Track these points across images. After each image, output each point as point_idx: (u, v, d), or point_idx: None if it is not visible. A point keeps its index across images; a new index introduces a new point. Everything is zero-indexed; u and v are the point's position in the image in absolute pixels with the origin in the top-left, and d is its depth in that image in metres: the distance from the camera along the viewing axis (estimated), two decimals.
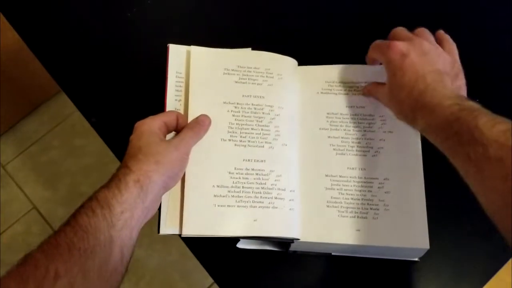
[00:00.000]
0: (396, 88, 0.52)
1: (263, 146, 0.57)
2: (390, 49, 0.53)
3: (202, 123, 0.56)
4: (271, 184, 0.55)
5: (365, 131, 0.59)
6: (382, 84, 0.56)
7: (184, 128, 0.55)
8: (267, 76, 0.60)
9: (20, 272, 0.38)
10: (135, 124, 0.52)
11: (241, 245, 0.56)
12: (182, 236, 0.53)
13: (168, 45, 0.61)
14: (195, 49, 0.61)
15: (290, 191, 0.55)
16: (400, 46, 0.53)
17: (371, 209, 0.55)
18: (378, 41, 0.57)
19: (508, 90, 0.66)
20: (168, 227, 0.54)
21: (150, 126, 0.51)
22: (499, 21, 0.72)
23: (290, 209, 0.54)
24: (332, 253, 0.57)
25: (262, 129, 0.58)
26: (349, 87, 0.61)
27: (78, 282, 0.39)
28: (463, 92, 0.54)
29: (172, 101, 0.59)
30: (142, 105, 0.60)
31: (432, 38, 0.56)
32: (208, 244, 0.55)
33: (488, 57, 0.69)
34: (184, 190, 0.54)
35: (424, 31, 0.57)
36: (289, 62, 0.62)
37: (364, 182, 0.57)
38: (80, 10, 0.74)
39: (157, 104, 0.60)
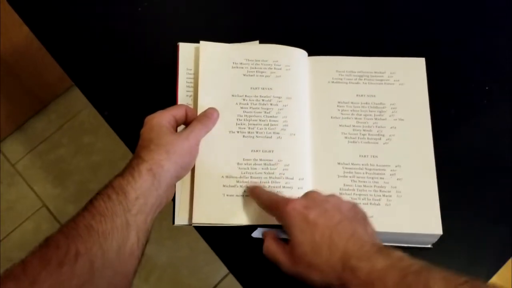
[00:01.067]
0: (305, 261, 0.44)
1: (271, 137, 0.58)
2: (285, 205, 0.47)
3: (211, 115, 0.57)
4: (279, 174, 0.56)
5: (376, 119, 0.60)
6: (283, 248, 0.48)
7: (193, 121, 0.56)
8: (275, 68, 0.61)
9: (42, 252, 0.39)
10: (146, 118, 0.54)
11: (256, 234, 0.56)
12: (192, 224, 0.55)
13: (178, 43, 0.64)
14: (204, 44, 0.63)
15: (299, 179, 0.56)
16: (295, 202, 0.47)
17: (383, 196, 0.56)
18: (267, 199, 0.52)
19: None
20: (180, 218, 0.56)
21: (160, 119, 0.53)
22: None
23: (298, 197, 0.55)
24: None
25: (270, 120, 0.59)
26: (359, 76, 0.62)
27: (98, 260, 0.40)
28: (377, 237, 0.48)
29: (184, 97, 0.61)
30: (154, 99, 0.62)
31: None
32: (223, 234, 0.56)
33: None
34: (194, 181, 0.56)
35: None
36: (298, 53, 0.63)
37: (376, 170, 0.57)
38: (91, 4, 0.74)
39: (168, 98, 0.61)
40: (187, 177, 0.57)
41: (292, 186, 0.56)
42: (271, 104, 0.59)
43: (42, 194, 1.56)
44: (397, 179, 0.57)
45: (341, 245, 0.43)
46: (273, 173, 0.56)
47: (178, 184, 0.56)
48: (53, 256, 0.38)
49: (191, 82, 0.62)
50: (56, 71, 0.69)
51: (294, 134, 0.58)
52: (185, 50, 0.63)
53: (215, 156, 0.57)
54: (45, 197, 1.56)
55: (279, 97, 0.60)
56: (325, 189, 0.56)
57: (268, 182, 0.56)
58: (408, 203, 0.56)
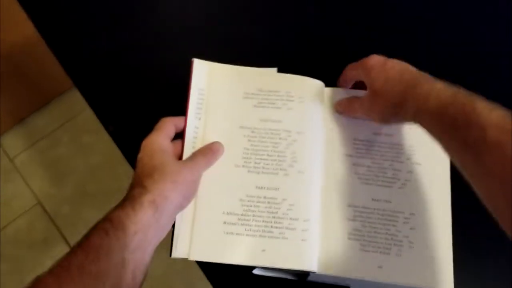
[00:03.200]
0: (379, 89, 0.51)
1: (278, 173, 0.55)
2: (369, 58, 0.54)
3: (216, 151, 0.55)
4: (283, 213, 0.53)
5: (392, 161, 0.56)
6: (356, 98, 0.56)
7: (197, 152, 0.55)
8: (287, 100, 0.58)
9: None
10: (143, 142, 0.52)
11: (257, 271, 0.54)
12: (189, 259, 0.52)
13: (192, 59, 0.59)
14: (217, 68, 0.60)
15: (304, 220, 0.53)
16: (377, 56, 0.54)
17: (394, 245, 0.53)
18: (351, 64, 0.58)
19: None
20: (178, 251, 0.53)
21: (159, 144, 0.51)
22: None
23: (302, 240, 0.52)
24: (350, 287, 0.54)
25: (278, 155, 0.55)
26: None
27: None
28: None
29: (193, 118, 0.57)
30: (160, 115, 0.58)
31: None
32: (222, 266, 0.53)
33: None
34: (195, 215, 0.54)
35: None
36: (313, 84, 0.59)
37: (389, 216, 0.54)
38: (103, 17, 0.72)
39: (175, 115, 0.57)
40: (189, 211, 0.54)
41: (296, 228, 0.52)
42: (279, 138, 0.56)
43: (38, 191, 1.54)
44: (410, 228, 0.53)
45: (409, 77, 0.49)
46: (276, 213, 0.53)
47: (178, 215, 0.53)
48: None
49: (201, 104, 0.58)
50: (61, 69, 0.68)
51: (303, 172, 0.55)
52: (199, 67, 0.59)
53: (218, 190, 0.54)
54: (41, 195, 1.53)
55: (289, 131, 0.56)
56: (333, 233, 0.53)
57: (271, 222, 0.53)
58: (420, 255, 0.52)
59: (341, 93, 0.60)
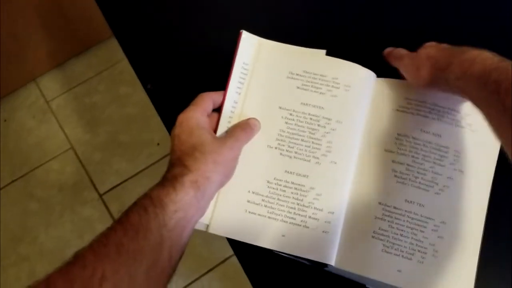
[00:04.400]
0: (428, 53, 0.51)
1: (310, 161, 0.53)
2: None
3: (254, 126, 0.54)
4: (308, 202, 0.52)
5: (434, 163, 0.52)
6: (407, 53, 0.55)
7: (236, 128, 0.54)
8: (332, 86, 0.55)
9: (68, 270, 0.38)
10: (178, 117, 0.51)
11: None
12: (208, 232, 0.53)
13: (241, 31, 0.57)
14: (264, 44, 0.58)
15: (329, 212, 0.52)
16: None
17: (418, 251, 0.50)
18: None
19: None
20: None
21: (196, 120, 0.51)
22: None
23: (323, 231, 0.51)
24: (366, 286, 0.53)
25: (313, 142, 0.54)
26: (431, 109, 0.54)
27: (124, 285, 0.39)
28: None
29: (233, 92, 0.56)
30: (202, 83, 0.58)
31: None
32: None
33: None
34: (220, 190, 0.53)
35: None
36: (363, 73, 0.56)
37: (419, 220, 0.51)
38: None
39: (217, 86, 0.56)
40: None
41: (319, 218, 0.51)
42: (318, 125, 0.54)
43: (71, 136, 1.56)
44: (438, 237, 0.50)
45: (458, 48, 0.48)
46: (302, 200, 0.52)
47: None
48: (77, 278, 0.37)
49: (243, 79, 0.56)
50: (102, 17, 0.67)
51: (335, 163, 0.53)
52: (247, 40, 0.57)
53: (247, 169, 0.54)
54: (74, 140, 1.56)
55: (329, 119, 0.54)
56: (357, 228, 0.52)
57: (295, 209, 0.52)
58: (442, 266, 0.49)
59: (394, 84, 0.56)
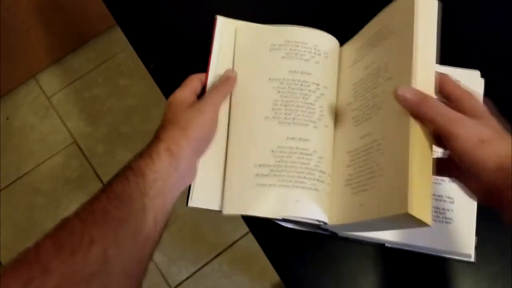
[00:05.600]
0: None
1: (308, 125, 0.54)
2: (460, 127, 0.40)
3: (226, 79, 0.56)
4: (314, 165, 0.52)
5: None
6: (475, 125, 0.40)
7: (209, 89, 0.55)
8: (314, 53, 0.57)
9: (57, 236, 0.39)
10: (168, 99, 0.53)
11: (288, 225, 0.54)
12: (223, 214, 0.53)
13: (215, 16, 0.59)
14: (242, 25, 0.60)
15: (329, 175, 0.52)
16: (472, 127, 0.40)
17: (372, 177, 0.46)
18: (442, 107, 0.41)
19: None
20: (195, 200, 0.53)
21: (178, 97, 0.52)
22: None
23: (327, 193, 0.52)
24: (386, 244, 0.55)
25: (307, 107, 0.54)
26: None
27: (112, 248, 0.39)
28: None
29: (214, 75, 0.57)
30: (201, 61, 0.59)
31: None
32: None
33: None
34: (226, 169, 0.54)
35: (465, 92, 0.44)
36: (334, 43, 0.58)
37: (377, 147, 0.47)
38: None
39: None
40: (211, 158, 0.54)
41: (324, 181, 0.51)
42: (309, 90, 0.55)
43: (74, 130, 1.58)
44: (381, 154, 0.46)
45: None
46: (308, 163, 0.52)
47: (199, 165, 0.54)
48: (67, 243, 0.38)
49: (223, 61, 0.58)
50: (99, 8, 0.67)
51: (328, 127, 0.54)
52: (222, 24, 0.59)
53: (248, 144, 0.54)
54: (77, 134, 1.57)
55: (317, 84, 0.55)
56: (338, 184, 0.51)
57: (304, 173, 0.51)
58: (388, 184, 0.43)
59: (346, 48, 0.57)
